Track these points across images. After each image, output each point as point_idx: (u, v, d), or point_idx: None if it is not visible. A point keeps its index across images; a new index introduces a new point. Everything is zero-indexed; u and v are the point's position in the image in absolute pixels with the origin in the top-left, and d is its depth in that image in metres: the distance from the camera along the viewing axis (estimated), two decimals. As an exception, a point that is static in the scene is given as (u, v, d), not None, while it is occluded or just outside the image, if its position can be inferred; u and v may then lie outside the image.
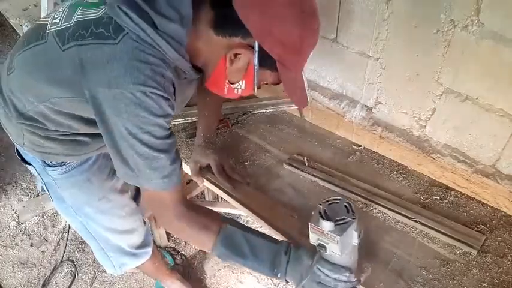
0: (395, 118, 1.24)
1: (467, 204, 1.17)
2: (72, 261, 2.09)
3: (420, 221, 1.11)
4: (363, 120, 1.32)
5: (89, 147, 1.11)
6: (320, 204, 0.85)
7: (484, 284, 0.98)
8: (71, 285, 2.01)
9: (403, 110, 1.20)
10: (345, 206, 0.85)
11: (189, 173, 1.36)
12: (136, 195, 1.53)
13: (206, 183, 1.32)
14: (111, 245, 1.38)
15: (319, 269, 0.89)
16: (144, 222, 1.48)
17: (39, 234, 2.24)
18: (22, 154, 1.19)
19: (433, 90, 1.09)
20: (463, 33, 0.95)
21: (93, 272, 2.04)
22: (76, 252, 2.13)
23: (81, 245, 2.16)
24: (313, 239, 0.85)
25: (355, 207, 0.85)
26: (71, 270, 2.06)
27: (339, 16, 1.18)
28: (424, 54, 1.05)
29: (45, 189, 1.26)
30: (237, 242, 0.96)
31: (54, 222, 2.29)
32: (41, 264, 2.11)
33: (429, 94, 1.10)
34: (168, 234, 2.14)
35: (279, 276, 0.94)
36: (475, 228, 1.10)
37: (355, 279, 0.89)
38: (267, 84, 0.98)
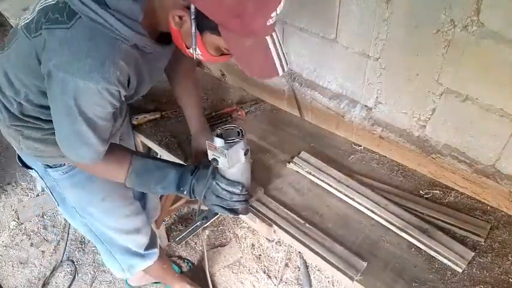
0: (395, 118, 1.24)
1: (468, 204, 1.17)
2: (72, 261, 2.09)
3: (426, 212, 1.13)
4: (363, 120, 1.32)
5: None
6: (218, 129, 1.03)
7: (484, 284, 0.98)
8: (71, 285, 2.00)
9: (403, 110, 1.20)
10: (238, 131, 1.02)
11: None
12: (141, 196, 1.53)
13: None
14: (118, 246, 1.38)
15: (217, 184, 1.03)
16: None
17: (39, 234, 2.24)
18: (24, 159, 1.22)
19: (433, 90, 1.09)
20: (463, 33, 0.95)
21: (93, 272, 2.04)
22: (76, 252, 2.13)
23: (81, 245, 2.16)
24: (209, 155, 1.01)
25: (245, 132, 1.02)
26: (71, 270, 2.06)
27: (338, 16, 1.18)
28: (424, 54, 1.05)
29: (50, 194, 1.28)
30: (147, 170, 1.06)
31: (54, 222, 2.29)
32: (41, 264, 2.11)
33: (429, 94, 1.10)
34: (168, 234, 2.14)
35: (184, 193, 1.05)
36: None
37: (247, 193, 1.06)
38: (228, 51, 0.89)
